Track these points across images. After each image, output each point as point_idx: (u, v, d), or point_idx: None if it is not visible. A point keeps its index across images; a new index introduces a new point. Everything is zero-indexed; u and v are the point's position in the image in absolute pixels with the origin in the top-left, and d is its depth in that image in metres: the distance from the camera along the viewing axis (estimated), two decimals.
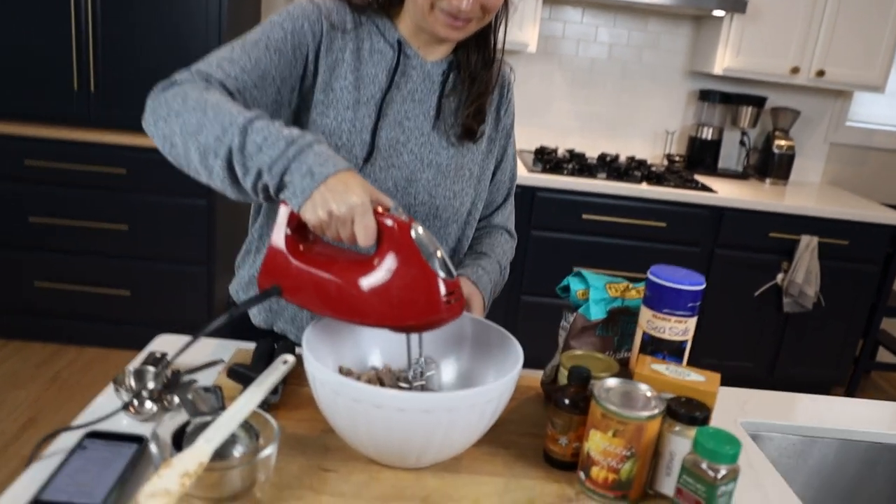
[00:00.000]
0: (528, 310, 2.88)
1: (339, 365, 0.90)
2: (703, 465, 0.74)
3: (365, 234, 0.77)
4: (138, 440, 0.83)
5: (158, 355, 1.05)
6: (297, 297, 0.82)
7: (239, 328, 1.22)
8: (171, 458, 0.68)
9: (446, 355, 0.98)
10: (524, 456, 0.89)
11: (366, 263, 0.78)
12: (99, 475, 0.76)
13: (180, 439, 0.76)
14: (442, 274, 0.77)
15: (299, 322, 1.17)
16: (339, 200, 0.76)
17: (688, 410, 0.80)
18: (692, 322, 0.90)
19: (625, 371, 0.93)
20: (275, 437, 0.76)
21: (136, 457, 0.81)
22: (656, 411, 0.79)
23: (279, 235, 0.82)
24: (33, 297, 2.84)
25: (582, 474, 0.83)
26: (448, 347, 0.98)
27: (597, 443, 0.80)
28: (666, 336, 0.90)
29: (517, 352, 0.87)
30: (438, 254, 0.78)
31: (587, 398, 0.84)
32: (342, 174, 0.79)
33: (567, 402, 0.85)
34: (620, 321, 0.98)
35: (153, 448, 0.72)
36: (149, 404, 0.93)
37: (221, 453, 0.77)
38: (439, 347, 0.99)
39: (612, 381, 0.84)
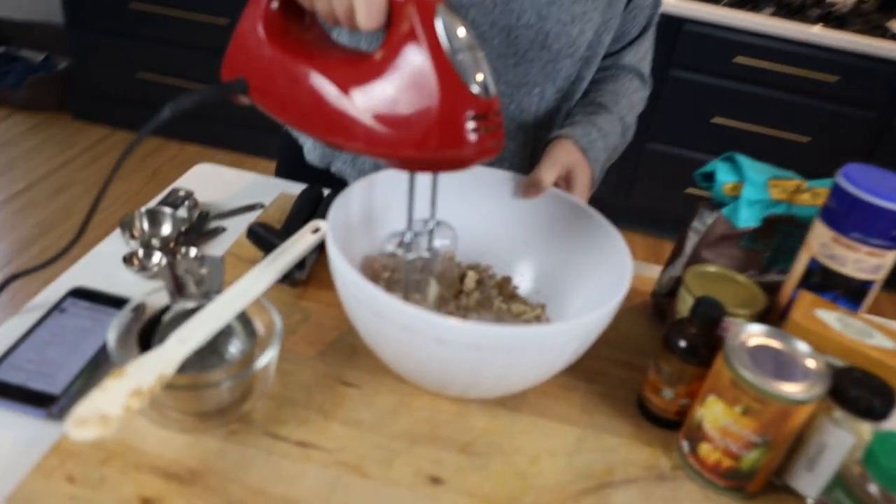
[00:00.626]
0: (652, 161, 2.53)
1: (386, 248, 0.67)
2: (872, 489, 0.49)
3: (366, 9, 0.50)
4: (125, 303, 0.67)
5: (183, 193, 0.87)
6: (267, 99, 0.57)
7: (293, 164, 1.02)
8: (127, 365, 0.51)
9: (521, 250, 0.75)
10: (611, 397, 0.67)
11: (365, 59, 0.53)
12: (71, 350, 0.62)
13: (150, 333, 0.58)
14: (474, 89, 0.51)
15: (360, 165, 0.96)
16: None
17: (862, 394, 0.54)
18: (891, 257, 0.61)
19: (772, 300, 0.66)
20: (275, 338, 0.57)
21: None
22: (816, 391, 0.53)
23: (255, 9, 0.57)
24: (137, 88, 2.77)
25: (685, 445, 0.60)
26: (524, 239, 0.74)
27: (716, 415, 0.57)
28: (847, 271, 0.62)
29: (623, 265, 0.62)
30: (475, 62, 0.52)
31: (713, 346, 0.59)
32: None
33: (683, 345, 0.60)
34: (778, 232, 0.69)
35: (110, 339, 0.55)
36: (157, 256, 0.76)
37: (208, 354, 0.60)
38: (512, 238, 0.75)
39: (755, 330, 0.58)
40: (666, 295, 0.76)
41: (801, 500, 0.59)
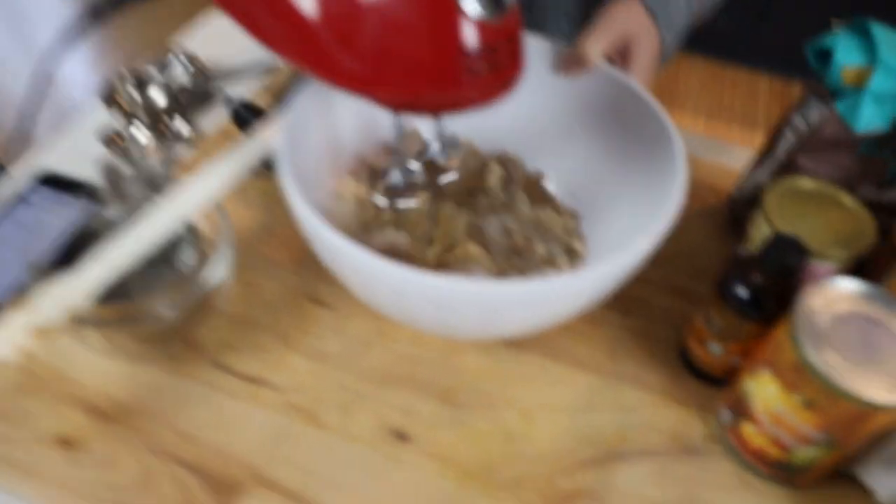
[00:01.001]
0: None
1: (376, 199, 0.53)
2: None
3: None
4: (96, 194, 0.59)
5: (183, 57, 0.74)
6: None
7: None
8: (33, 293, 0.43)
9: (557, 142, 0.58)
10: (648, 336, 0.53)
11: None
12: (21, 253, 0.54)
13: (78, 243, 0.49)
14: (473, 10, 0.35)
15: None
16: None
17: None
18: None
19: (886, 236, 0.49)
20: (223, 254, 0.47)
21: (81, 221, 0.57)
22: None
23: None
24: None
25: (726, 414, 0.47)
26: (561, 129, 0.58)
27: (768, 397, 0.43)
28: None
29: (677, 181, 0.45)
30: None
31: (785, 300, 0.44)
32: None
33: (743, 295, 0.45)
34: None
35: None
36: (143, 135, 0.66)
37: (159, 263, 0.51)
38: (546, 126, 0.58)
39: (846, 288, 0.42)
40: (747, 202, 0.58)
41: (865, 495, 0.45)
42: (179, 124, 0.67)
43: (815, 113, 0.50)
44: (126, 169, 0.51)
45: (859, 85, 0.48)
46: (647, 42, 0.55)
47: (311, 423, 0.47)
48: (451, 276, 0.39)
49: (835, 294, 0.42)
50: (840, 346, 0.39)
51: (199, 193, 0.47)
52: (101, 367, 0.48)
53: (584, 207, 0.57)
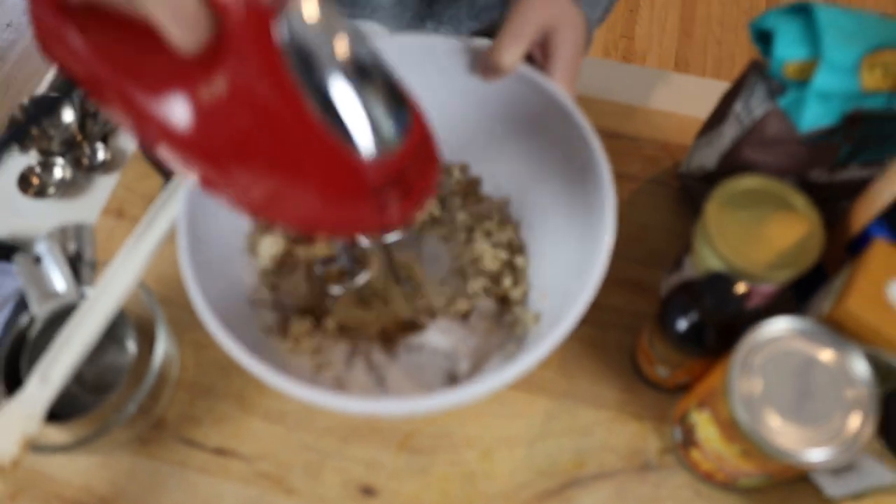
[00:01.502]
0: None
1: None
2: None
3: (180, 33, 0.29)
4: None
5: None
6: (95, 94, 0.37)
7: None
8: None
9: (485, 146, 0.54)
10: (601, 346, 0.53)
11: (193, 82, 0.32)
12: None
13: (17, 357, 0.49)
14: (358, 145, 0.29)
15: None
16: None
17: None
18: None
19: (836, 225, 0.46)
20: (161, 333, 0.47)
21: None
22: (847, 451, 0.38)
23: None
24: None
25: (678, 433, 0.48)
26: (487, 129, 0.53)
27: (710, 438, 0.43)
28: None
29: (604, 206, 0.42)
30: (359, 79, 0.28)
31: (727, 330, 0.43)
32: None
33: (683, 329, 0.44)
34: (868, 122, 0.45)
35: None
36: (59, 168, 0.63)
37: (107, 342, 0.51)
38: (471, 129, 0.54)
39: (777, 328, 0.41)
40: (695, 181, 0.55)
41: (816, 492, 0.47)
42: (97, 146, 0.64)
43: (758, 106, 0.46)
44: (48, 260, 0.49)
45: (805, 79, 0.43)
46: (569, 31, 0.48)
47: (280, 491, 0.49)
48: (371, 398, 0.38)
49: (773, 335, 0.41)
50: (775, 399, 0.39)
51: (130, 276, 0.46)
52: (76, 462, 0.50)
53: (520, 213, 0.54)
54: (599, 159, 0.43)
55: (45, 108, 0.65)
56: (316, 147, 0.29)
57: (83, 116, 0.66)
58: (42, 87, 0.68)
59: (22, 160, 0.64)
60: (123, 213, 0.60)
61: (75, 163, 0.64)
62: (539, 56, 0.50)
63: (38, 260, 0.50)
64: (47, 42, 0.33)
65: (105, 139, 0.65)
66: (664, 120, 0.63)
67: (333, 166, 0.30)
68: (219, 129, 0.31)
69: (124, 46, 0.32)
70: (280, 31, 0.27)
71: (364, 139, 0.29)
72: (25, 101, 0.65)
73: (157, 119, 0.32)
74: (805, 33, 0.42)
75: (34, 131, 0.65)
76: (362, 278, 0.46)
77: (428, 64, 0.50)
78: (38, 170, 0.63)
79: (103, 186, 0.62)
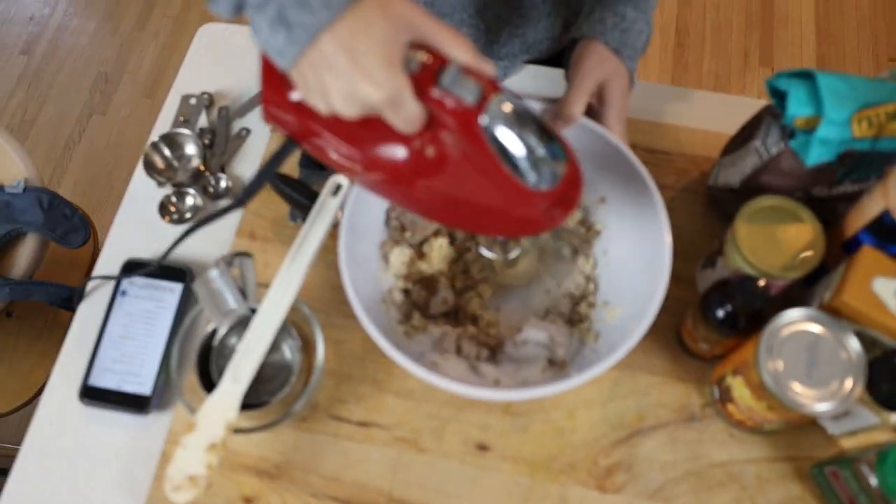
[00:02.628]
0: None
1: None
2: (873, 482, 0.53)
3: (407, 126, 0.44)
4: (181, 275, 0.71)
5: (194, 101, 0.80)
6: (321, 156, 0.51)
7: None
8: (196, 416, 0.58)
9: None
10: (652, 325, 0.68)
11: (412, 147, 0.47)
12: (145, 341, 0.68)
13: (206, 360, 0.63)
14: (532, 179, 0.46)
15: None
16: (345, 91, 0.42)
17: (894, 388, 0.54)
18: None
19: (833, 228, 0.61)
20: (318, 336, 0.62)
21: (182, 305, 0.70)
22: (846, 401, 0.53)
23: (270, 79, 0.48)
24: None
25: (716, 391, 0.64)
26: None
27: (743, 395, 0.59)
28: None
29: (660, 239, 0.57)
30: (535, 152, 0.45)
31: (756, 321, 0.58)
32: (345, 22, 0.40)
33: (721, 316, 0.59)
34: (857, 157, 0.59)
35: (173, 364, 0.61)
36: (191, 198, 0.76)
37: (271, 352, 0.64)
38: None
39: (794, 316, 0.56)
40: (722, 193, 0.69)
41: (820, 431, 0.63)
42: (219, 176, 0.77)
43: (773, 145, 0.60)
44: (221, 284, 0.63)
45: (811, 129, 0.57)
46: (618, 81, 0.63)
47: (414, 450, 0.64)
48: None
49: (789, 321, 0.56)
50: (792, 368, 0.54)
51: (284, 300, 0.60)
52: (251, 439, 0.65)
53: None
54: (650, 185, 0.58)
55: (171, 143, 0.77)
56: (503, 185, 0.46)
57: (204, 149, 0.78)
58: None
59: (160, 191, 0.76)
60: (255, 235, 0.73)
61: (203, 191, 0.76)
62: (595, 103, 0.64)
63: (211, 282, 0.63)
64: (272, 117, 0.48)
65: (223, 169, 0.78)
66: (691, 135, 0.77)
67: (518, 205, 0.47)
68: (424, 167, 0.47)
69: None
70: (483, 119, 0.43)
71: (540, 175, 0.46)
72: (156, 137, 0.77)
73: (372, 159, 0.47)
74: (809, 96, 0.56)
75: (163, 165, 0.77)
76: (514, 252, 0.62)
77: None
78: (173, 199, 0.76)
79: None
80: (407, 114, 0.43)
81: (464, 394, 0.54)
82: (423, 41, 0.43)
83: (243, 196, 0.52)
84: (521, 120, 0.44)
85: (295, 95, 0.46)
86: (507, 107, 0.44)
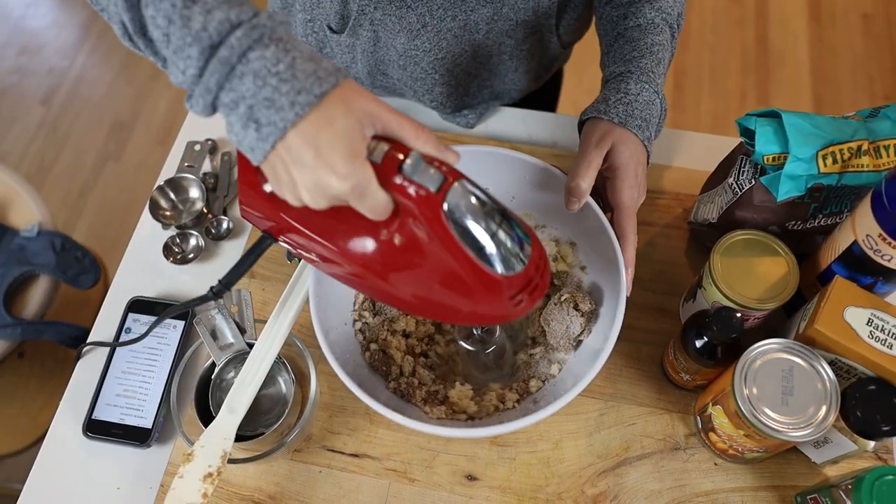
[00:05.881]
0: None
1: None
2: None
3: (374, 213, 0.46)
4: (183, 313, 0.74)
5: (199, 147, 0.85)
6: (299, 251, 0.55)
7: None
8: (193, 448, 0.60)
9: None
10: (637, 357, 0.70)
11: (382, 236, 0.49)
12: (146, 376, 0.71)
13: (205, 392, 0.65)
14: (500, 270, 0.46)
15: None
16: (312, 184, 0.44)
17: (867, 414, 0.55)
18: None
19: (808, 261, 0.63)
20: (312, 370, 0.64)
21: (184, 341, 0.73)
22: (819, 428, 0.55)
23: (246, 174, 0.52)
24: None
25: (698, 421, 0.65)
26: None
27: (723, 425, 0.60)
28: (892, 265, 0.57)
29: (620, 295, 0.59)
30: (500, 238, 0.46)
31: (731, 348, 0.60)
32: (310, 120, 0.43)
33: (700, 346, 0.61)
34: (826, 191, 0.62)
35: (172, 397, 0.63)
36: (194, 238, 0.79)
37: (266, 384, 0.67)
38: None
39: (767, 346, 0.57)
40: (702, 228, 0.72)
41: (804, 458, 0.64)
42: (221, 218, 0.80)
43: (746, 181, 0.62)
44: (220, 320, 0.66)
45: (779, 166, 0.60)
46: (625, 147, 0.61)
47: (405, 480, 0.66)
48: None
49: (764, 350, 0.57)
50: (767, 396, 0.56)
51: (277, 337, 0.62)
52: (246, 469, 0.67)
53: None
54: (620, 260, 0.60)
55: (176, 187, 0.81)
56: (468, 271, 0.46)
57: (207, 193, 0.82)
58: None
59: (165, 233, 0.80)
60: (254, 274, 0.76)
61: (206, 232, 0.80)
62: (608, 174, 0.63)
63: (211, 318, 0.66)
64: (249, 216, 0.51)
65: (225, 211, 0.82)
66: (675, 174, 0.79)
67: (481, 283, 0.46)
68: (393, 257, 0.48)
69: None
70: (445, 207, 0.44)
71: (507, 262, 0.46)
72: (162, 182, 0.81)
73: (344, 251, 0.49)
74: (777, 135, 0.59)
75: (168, 207, 0.81)
76: (490, 345, 0.63)
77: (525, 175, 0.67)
78: (177, 240, 0.79)
79: (230, 251, 0.79)
80: (373, 202, 0.44)
81: (437, 434, 0.56)
82: (387, 133, 0.45)
83: (221, 287, 0.55)
84: (483, 204, 0.45)
85: (268, 187, 0.50)
86: (468, 193, 0.45)
